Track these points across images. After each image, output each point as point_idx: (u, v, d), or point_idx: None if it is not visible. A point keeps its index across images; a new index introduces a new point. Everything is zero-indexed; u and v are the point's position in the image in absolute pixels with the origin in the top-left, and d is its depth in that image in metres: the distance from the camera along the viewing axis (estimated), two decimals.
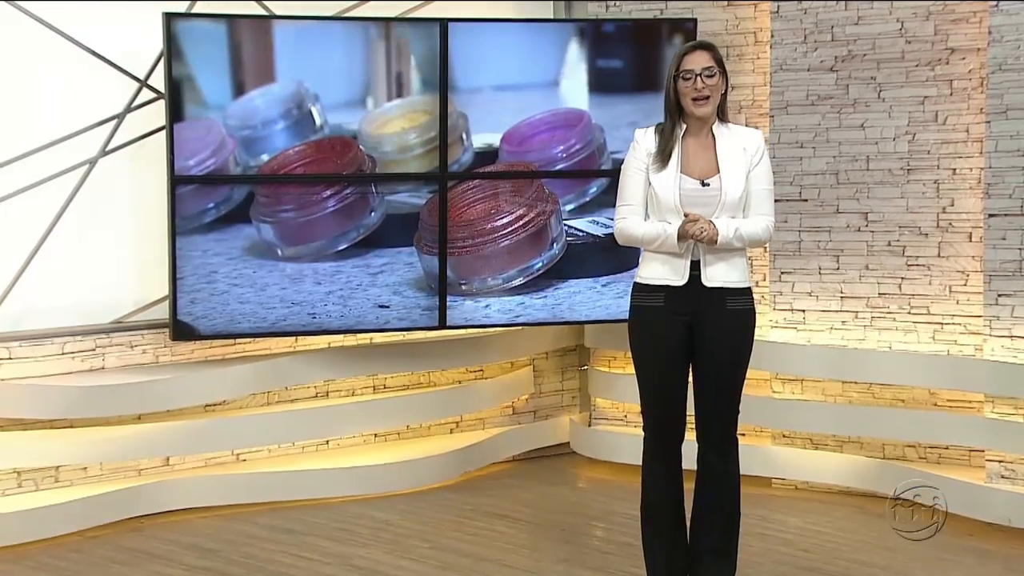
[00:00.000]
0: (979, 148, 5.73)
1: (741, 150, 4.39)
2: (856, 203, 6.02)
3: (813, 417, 6.08)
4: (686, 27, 6.09)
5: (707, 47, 4.39)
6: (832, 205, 6.06)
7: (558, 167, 6.09)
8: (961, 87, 5.79)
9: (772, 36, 6.14)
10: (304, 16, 5.84)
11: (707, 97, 4.33)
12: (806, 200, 6.10)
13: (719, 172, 4.36)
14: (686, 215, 4.30)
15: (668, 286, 4.37)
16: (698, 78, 4.31)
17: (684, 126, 4.39)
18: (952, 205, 5.83)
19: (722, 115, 4.42)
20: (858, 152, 6.00)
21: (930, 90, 5.85)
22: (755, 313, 4.47)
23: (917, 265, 5.92)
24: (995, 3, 5.55)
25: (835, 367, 6.00)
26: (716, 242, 4.28)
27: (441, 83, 5.91)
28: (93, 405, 5.55)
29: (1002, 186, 5.57)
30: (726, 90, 4.40)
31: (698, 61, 4.33)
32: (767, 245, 6.13)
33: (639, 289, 4.46)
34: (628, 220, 4.41)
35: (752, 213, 4.39)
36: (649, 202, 4.39)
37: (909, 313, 5.93)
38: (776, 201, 5.96)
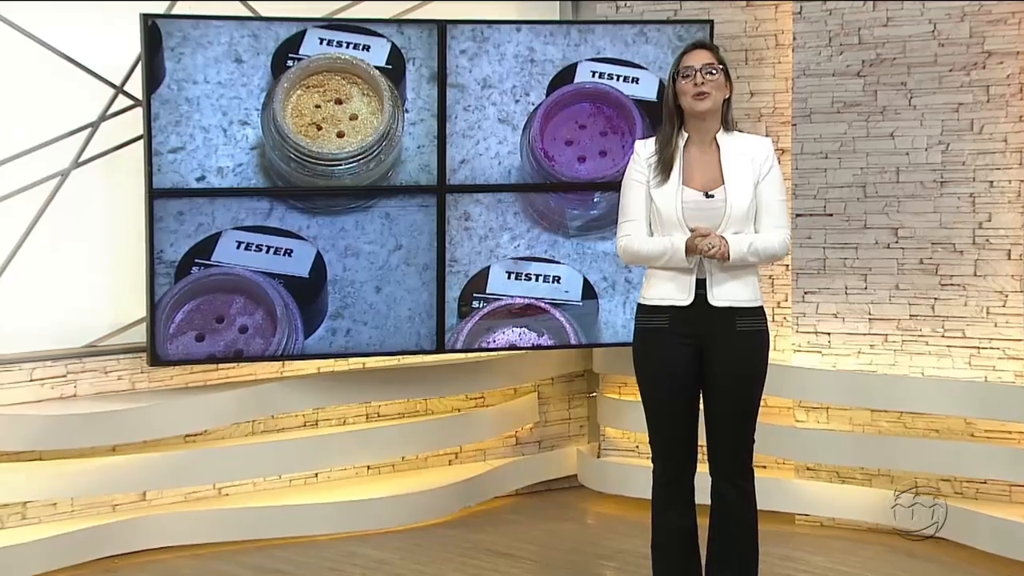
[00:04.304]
0: (1018, 159, 5.69)
1: (748, 159, 4.39)
2: (885, 218, 5.98)
3: (839, 448, 6.03)
4: (701, 29, 6.08)
5: (709, 47, 4.45)
6: (859, 220, 6.02)
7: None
8: (998, 93, 5.75)
9: (794, 39, 6.12)
10: (292, 18, 5.81)
11: (707, 93, 4.34)
12: (831, 215, 6.07)
13: (724, 183, 4.35)
14: (692, 229, 4.27)
15: (673, 306, 4.36)
16: (698, 73, 4.34)
17: (686, 135, 4.39)
18: (989, 220, 5.79)
19: (727, 124, 4.43)
20: (887, 163, 5.97)
21: (965, 96, 5.81)
22: (768, 334, 4.45)
23: (951, 284, 5.87)
24: None
25: (863, 394, 5.96)
26: (728, 259, 4.25)
27: (439, 87, 5.90)
28: (64, 436, 5.51)
29: None
30: (730, 96, 4.41)
31: (699, 58, 4.38)
32: (789, 263, 6.11)
33: (643, 310, 4.46)
34: (632, 237, 4.42)
35: (764, 226, 4.37)
36: (651, 217, 4.39)
37: (943, 336, 5.89)
38: (799, 215, 6.04)
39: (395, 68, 5.86)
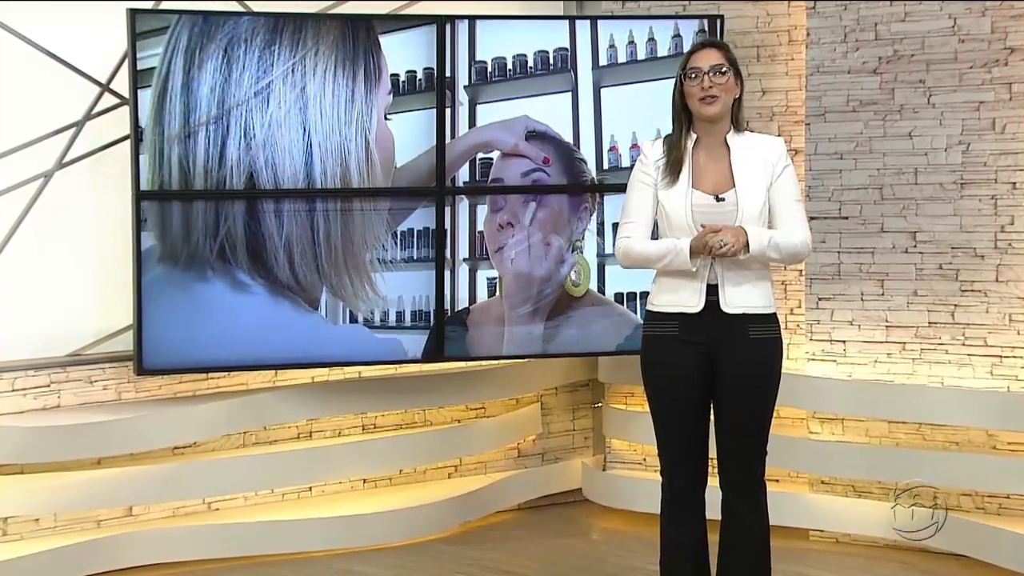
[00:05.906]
0: None
1: (760, 161, 4.37)
2: (903, 221, 5.95)
3: (855, 461, 6.00)
4: (710, 25, 6.07)
5: (718, 45, 4.43)
6: (876, 223, 5.99)
7: None
8: (1021, 91, 5.72)
9: (808, 35, 6.10)
10: (285, 13, 5.76)
11: (715, 97, 4.29)
12: (847, 217, 6.04)
13: (735, 186, 4.33)
14: (702, 227, 4.23)
15: (683, 313, 4.34)
16: (706, 76, 4.31)
17: (695, 136, 4.37)
18: (1012, 223, 5.76)
19: (737, 124, 4.41)
20: (905, 164, 5.94)
21: (986, 94, 5.78)
22: (782, 342, 4.43)
23: (972, 291, 5.84)
24: None
25: (880, 405, 5.93)
26: (747, 252, 4.19)
27: (439, 86, 5.87)
28: (47, 448, 5.48)
29: None
30: (741, 95, 4.39)
31: (707, 59, 4.34)
32: (802, 268, 6.10)
33: (651, 317, 4.45)
34: (631, 239, 4.39)
35: (783, 229, 4.34)
36: (659, 221, 4.38)
37: (963, 345, 5.86)
38: (813, 218, 6.02)
39: None
